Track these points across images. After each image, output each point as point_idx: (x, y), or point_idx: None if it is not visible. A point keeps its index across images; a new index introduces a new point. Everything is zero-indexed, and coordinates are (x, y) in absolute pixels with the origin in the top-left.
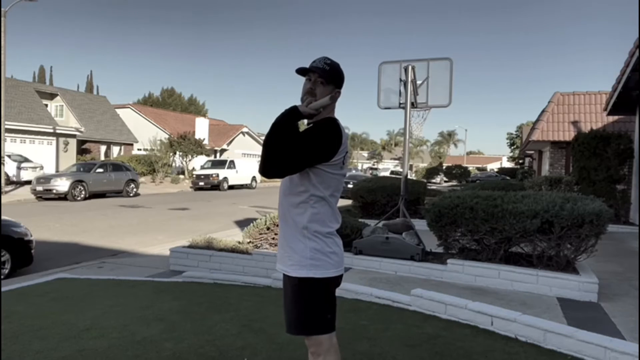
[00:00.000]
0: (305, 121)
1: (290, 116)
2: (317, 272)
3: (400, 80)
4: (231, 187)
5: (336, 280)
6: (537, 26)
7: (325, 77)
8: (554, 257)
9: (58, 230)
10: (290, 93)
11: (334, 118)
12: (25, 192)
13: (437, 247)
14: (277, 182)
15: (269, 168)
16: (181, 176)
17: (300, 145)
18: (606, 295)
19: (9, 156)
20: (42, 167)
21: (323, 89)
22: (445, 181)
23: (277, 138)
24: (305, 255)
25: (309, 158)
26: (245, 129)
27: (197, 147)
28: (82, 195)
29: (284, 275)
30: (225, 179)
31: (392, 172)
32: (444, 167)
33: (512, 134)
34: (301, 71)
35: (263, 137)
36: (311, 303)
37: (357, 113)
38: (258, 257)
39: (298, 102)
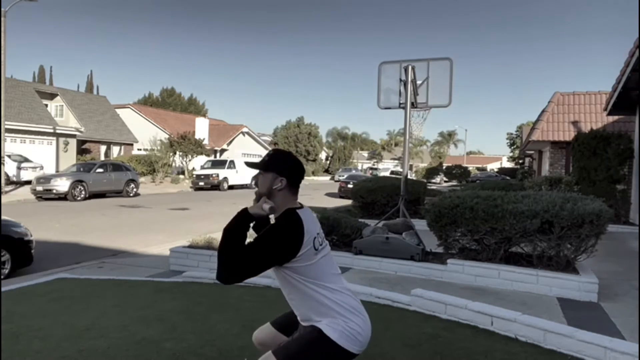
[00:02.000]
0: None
1: (241, 220)
2: (342, 341)
3: (400, 80)
4: (231, 187)
5: (352, 356)
6: (537, 26)
7: (262, 166)
8: (554, 257)
9: (58, 230)
10: (291, 92)
11: (292, 209)
12: (25, 192)
13: (437, 247)
14: None
15: (227, 276)
16: (181, 176)
17: (257, 248)
18: (606, 295)
19: (9, 156)
20: (42, 167)
21: (263, 179)
22: (445, 181)
23: (231, 244)
24: (337, 323)
25: (266, 261)
26: (245, 129)
27: (197, 147)
28: (82, 195)
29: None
30: (225, 179)
31: (392, 172)
32: (444, 167)
33: (512, 134)
34: (252, 168)
35: (263, 138)
36: (314, 356)
37: (357, 113)
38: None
39: (301, 102)
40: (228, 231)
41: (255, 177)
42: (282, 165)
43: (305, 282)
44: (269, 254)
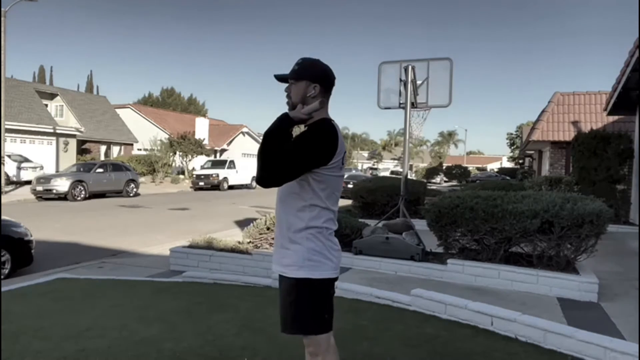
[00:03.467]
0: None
1: (281, 124)
2: (315, 273)
3: (400, 80)
4: (231, 187)
5: (333, 281)
6: (537, 26)
7: (294, 75)
8: (554, 257)
9: (58, 230)
10: None
11: (328, 119)
12: (25, 192)
13: (437, 247)
14: None
15: (266, 178)
16: (181, 176)
17: (296, 151)
18: (606, 295)
19: (9, 156)
20: (42, 167)
21: (296, 88)
22: (445, 181)
23: (271, 147)
24: (303, 256)
25: (306, 164)
26: (245, 129)
27: (197, 147)
28: (82, 195)
29: (280, 275)
30: (225, 179)
31: (392, 172)
32: (444, 167)
33: (512, 134)
34: (280, 80)
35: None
36: (308, 303)
37: (357, 113)
38: (258, 257)
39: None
40: (269, 135)
41: (287, 89)
42: (315, 72)
43: (313, 189)
44: (307, 157)
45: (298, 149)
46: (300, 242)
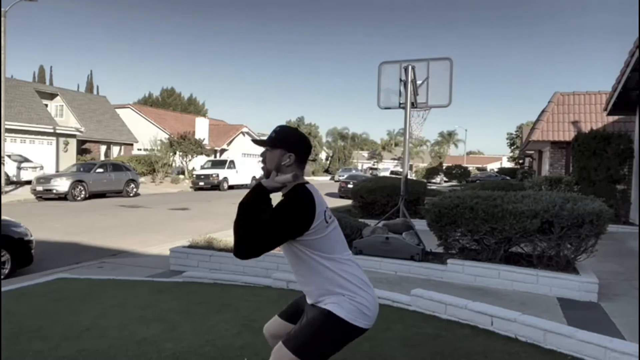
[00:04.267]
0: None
1: (256, 195)
2: (351, 317)
3: (400, 80)
4: (231, 187)
5: (362, 332)
6: (537, 26)
7: (270, 143)
8: (554, 257)
9: (58, 230)
10: (291, 92)
11: (302, 184)
12: (25, 192)
13: (437, 247)
14: None
15: (244, 250)
16: (181, 176)
17: (274, 222)
18: (606, 295)
19: (9, 156)
20: (42, 167)
21: (271, 155)
22: (445, 181)
23: (247, 218)
24: (344, 301)
25: (284, 234)
26: (245, 129)
27: (197, 147)
28: (82, 195)
29: (312, 305)
30: (225, 179)
31: (392, 172)
32: (444, 167)
33: (512, 134)
34: (260, 145)
35: (263, 138)
36: (326, 338)
37: (357, 113)
38: (258, 257)
39: (301, 102)
40: (244, 206)
41: (262, 154)
42: (290, 141)
43: (315, 255)
44: (284, 228)
45: (275, 220)
46: (337, 302)
